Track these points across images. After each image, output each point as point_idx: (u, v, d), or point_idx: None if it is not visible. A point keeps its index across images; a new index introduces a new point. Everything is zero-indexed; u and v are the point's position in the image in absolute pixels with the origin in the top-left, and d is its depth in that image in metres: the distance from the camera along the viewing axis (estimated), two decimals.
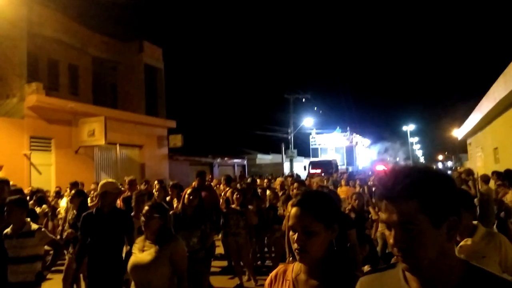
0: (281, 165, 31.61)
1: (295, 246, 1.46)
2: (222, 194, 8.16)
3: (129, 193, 6.85)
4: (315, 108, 37.55)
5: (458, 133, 23.04)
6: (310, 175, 22.15)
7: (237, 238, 6.17)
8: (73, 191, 6.16)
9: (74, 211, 5.55)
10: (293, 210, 1.52)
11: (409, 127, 62.61)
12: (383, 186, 1.09)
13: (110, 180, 4.72)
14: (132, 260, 3.09)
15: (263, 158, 35.87)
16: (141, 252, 3.08)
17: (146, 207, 3.15)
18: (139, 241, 3.21)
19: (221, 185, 10.97)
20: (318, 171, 24.56)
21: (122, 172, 15.95)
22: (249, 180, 12.86)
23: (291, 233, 1.50)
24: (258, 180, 12.34)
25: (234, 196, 6.58)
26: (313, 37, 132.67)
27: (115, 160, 16.34)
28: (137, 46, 19.52)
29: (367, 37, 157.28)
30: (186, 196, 4.61)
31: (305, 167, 29.48)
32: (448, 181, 1.09)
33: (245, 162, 31.29)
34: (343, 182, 11.23)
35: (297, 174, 25.90)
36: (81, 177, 11.77)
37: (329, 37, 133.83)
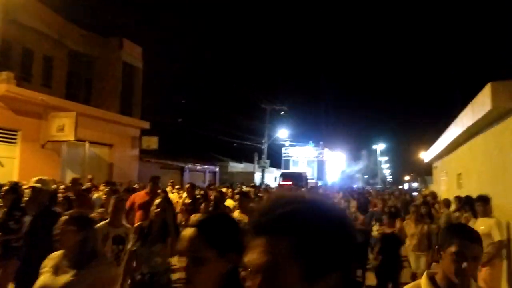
0: (252, 174, 31.65)
1: (181, 274, 1.16)
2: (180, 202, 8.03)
3: (71, 193, 6.49)
4: (290, 120, 37.98)
5: (425, 156, 23.76)
6: (280, 187, 22.31)
7: None
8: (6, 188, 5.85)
9: (5, 209, 5.01)
10: (187, 232, 1.29)
11: (380, 146, 64.29)
12: (256, 214, 0.81)
13: (43, 177, 4.54)
14: (42, 280, 2.50)
15: (235, 166, 35.80)
16: (54, 272, 2.51)
17: (63, 218, 2.63)
18: (55, 257, 2.62)
19: (177, 193, 10.51)
20: (289, 183, 24.79)
21: (90, 171, 15.53)
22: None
23: (181, 258, 1.28)
24: (224, 189, 12.20)
25: (202, 205, 6.51)
26: (294, 51, 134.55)
27: (83, 157, 15.91)
28: (116, 43, 19.18)
29: (347, 58, 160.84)
30: (153, 207, 4.02)
31: (276, 178, 29.68)
32: (341, 224, 0.77)
33: (217, 169, 31.14)
34: None
35: (266, 185, 26.02)
36: (46, 173, 11.30)
37: (309, 52, 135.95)
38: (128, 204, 6.04)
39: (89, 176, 12.06)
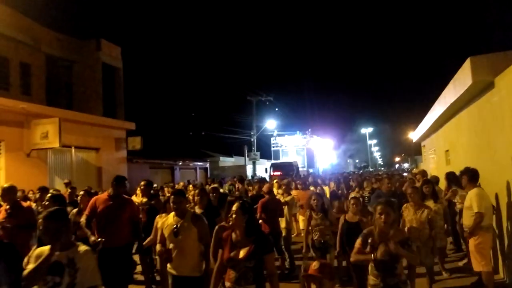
0: (244, 167, 31.62)
1: None
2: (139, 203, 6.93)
3: (5, 204, 5.56)
4: (277, 110, 37.98)
5: (413, 135, 23.97)
6: (271, 177, 22.30)
7: None
8: None
9: None
10: None
11: (368, 130, 64.71)
12: None
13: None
14: None
15: (226, 161, 35.74)
16: None
17: None
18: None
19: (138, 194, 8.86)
20: (279, 173, 24.77)
21: (78, 176, 15.33)
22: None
23: None
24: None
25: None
26: (275, 40, 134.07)
27: (70, 163, 15.68)
28: (94, 44, 18.86)
29: (330, 42, 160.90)
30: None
31: (266, 170, 29.68)
32: None
33: (208, 165, 31.04)
34: (292, 185, 10.34)
35: (260, 177, 26.04)
36: (33, 182, 11.20)
37: (291, 40, 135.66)
38: (88, 210, 5.40)
39: (65, 180, 11.47)
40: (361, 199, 6.23)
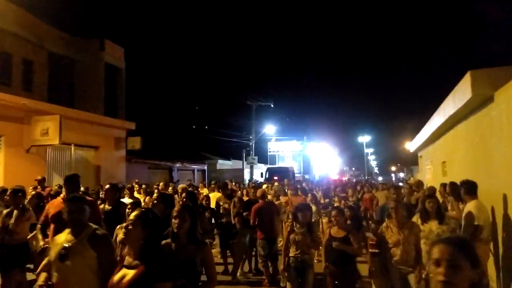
0: (241, 171, 31.69)
1: None
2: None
3: None
4: (276, 116, 38.12)
5: (410, 146, 24.09)
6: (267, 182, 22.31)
7: None
8: None
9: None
10: None
11: (365, 138, 64.89)
12: None
13: None
14: None
15: (224, 164, 35.79)
16: None
17: None
18: None
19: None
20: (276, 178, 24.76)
21: None
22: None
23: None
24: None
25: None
26: (276, 46, 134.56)
27: (69, 161, 15.70)
28: (98, 44, 18.98)
29: (330, 50, 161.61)
30: None
31: (262, 174, 29.75)
32: None
33: (206, 167, 31.07)
34: (289, 192, 9.95)
35: (255, 180, 26.09)
36: (32, 178, 11.23)
37: (292, 47, 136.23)
38: (42, 217, 4.82)
39: (39, 177, 10.70)
40: (346, 210, 5.65)
